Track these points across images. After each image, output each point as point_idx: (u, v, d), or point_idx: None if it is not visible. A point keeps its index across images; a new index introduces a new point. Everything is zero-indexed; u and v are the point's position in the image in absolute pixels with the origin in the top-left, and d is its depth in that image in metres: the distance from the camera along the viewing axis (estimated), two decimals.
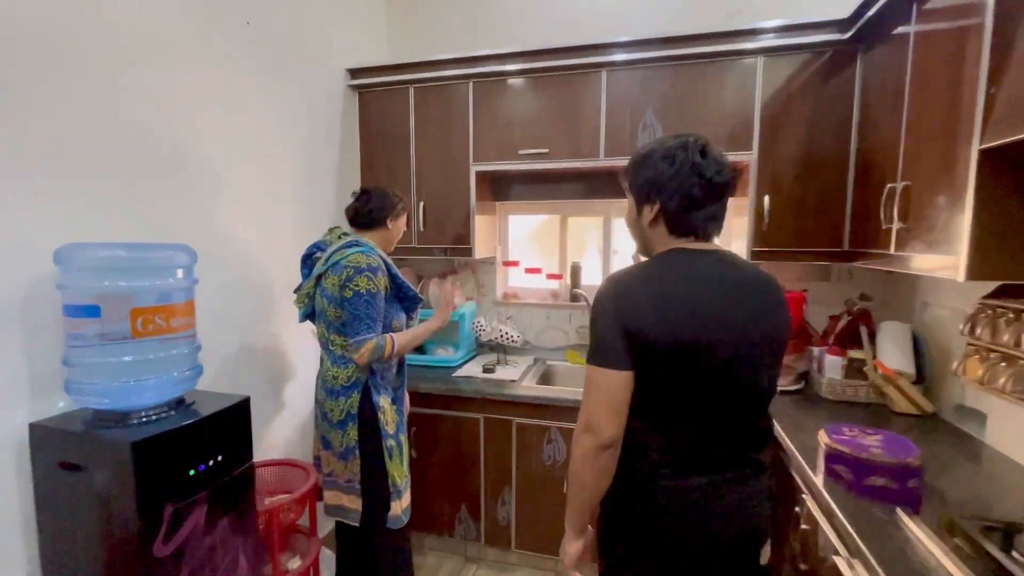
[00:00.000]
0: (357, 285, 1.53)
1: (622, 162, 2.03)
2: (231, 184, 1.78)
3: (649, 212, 1.03)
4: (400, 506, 1.67)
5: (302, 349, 2.13)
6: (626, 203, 1.13)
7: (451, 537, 2.25)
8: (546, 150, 2.19)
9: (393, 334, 1.61)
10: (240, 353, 1.82)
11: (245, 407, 1.33)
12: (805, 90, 1.89)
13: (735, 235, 2.24)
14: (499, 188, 2.60)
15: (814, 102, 1.89)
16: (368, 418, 1.61)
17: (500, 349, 2.46)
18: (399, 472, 1.66)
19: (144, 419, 1.18)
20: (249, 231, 1.87)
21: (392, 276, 1.65)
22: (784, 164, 1.94)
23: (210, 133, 1.68)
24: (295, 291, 1.73)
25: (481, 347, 2.67)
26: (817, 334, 2.19)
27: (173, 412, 1.24)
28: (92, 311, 1.08)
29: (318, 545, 1.77)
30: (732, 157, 1.84)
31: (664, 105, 2.04)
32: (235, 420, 1.30)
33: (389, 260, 1.68)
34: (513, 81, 2.20)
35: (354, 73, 2.37)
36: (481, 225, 2.41)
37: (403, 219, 1.80)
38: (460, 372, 2.32)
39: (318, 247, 1.72)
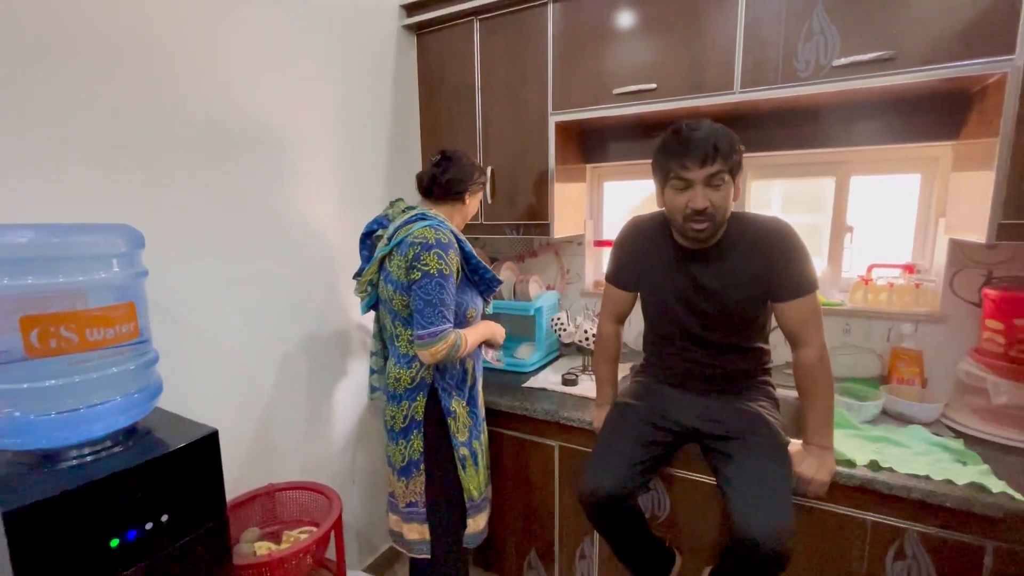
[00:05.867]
0: (426, 264, 1.25)
1: (769, 96, 1.51)
2: (265, 153, 1.48)
3: None
4: (478, 523, 1.45)
5: (351, 349, 1.82)
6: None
7: None
8: (653, 85, 1.56)
9: (464, 331, 1.33)
10: (268, 358, 1.53)
11: (211, 444, 0.99)
12: None
13: (959, 201, 1.43)
14: (591, 146, 2.02)
15: None
16: (436, 425, 1.37)
17: (586, 353, 1.94)
18: (475, 484, 1.42)
19: (75, 460, 0.89)
20: (290, 208, 1.57)
21: (466, 256, 1.36)
22: None
23: (236, 93, 1.39)
24: (354, 277, 1.45)
25: (566, 347, 2.16)
26: None
27: (119, 448, 0.93)
28: None
29: None
30: (969, 69, 1.18)
31: None
32: (192, 463, 0.96)
33: (463, 237, 1.36)
34: None
35: (410, 9, 1.93)
36: (564, 195, 1.87)
37: (480, 194, 1.50)
38: (533, 380, 1.85)
39: (379, 224, 1.44)
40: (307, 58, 1.59)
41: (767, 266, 1.21)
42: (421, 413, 1.35)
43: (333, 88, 1.69)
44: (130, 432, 0.97)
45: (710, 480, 1.37)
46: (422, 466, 1.37)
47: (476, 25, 1.84)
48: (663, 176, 1.19)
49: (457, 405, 1.37)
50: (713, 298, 1.25)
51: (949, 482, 1.13)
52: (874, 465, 1.21)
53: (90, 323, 0.84)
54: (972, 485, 1.12)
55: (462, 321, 1.36)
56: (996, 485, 1.10)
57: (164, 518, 0.90)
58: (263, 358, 1.53)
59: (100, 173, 1.13)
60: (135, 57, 1.17)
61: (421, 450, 1.36)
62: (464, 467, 1.38)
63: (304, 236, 1.63)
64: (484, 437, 1.53)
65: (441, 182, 1.40)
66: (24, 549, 0.74)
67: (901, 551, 1.18)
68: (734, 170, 1.15)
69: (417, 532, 1.41)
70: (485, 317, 1.52)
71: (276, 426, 1.57)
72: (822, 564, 1.26)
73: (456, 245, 1.32)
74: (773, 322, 1.30)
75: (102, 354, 0.87)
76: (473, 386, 1.44)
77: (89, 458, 0.90)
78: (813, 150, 1.67)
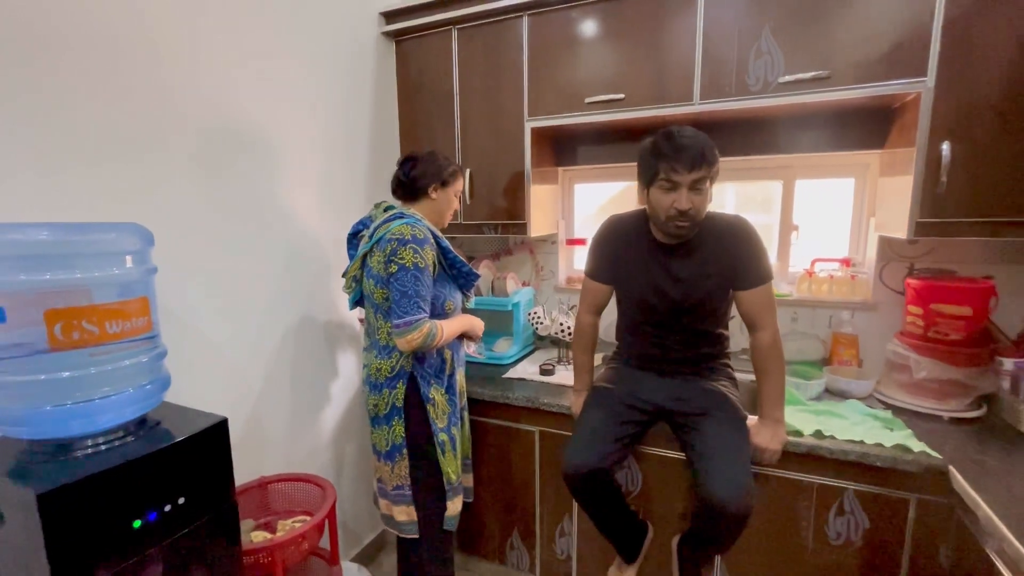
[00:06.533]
0: (402, 258, 1.32)
1: (724, 108, 1.54)
2: (252, 154, 1.51)
3: None
4: (456, 506, 1.51)
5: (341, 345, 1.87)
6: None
7: (502, 564, 1.92)
8: (621, 95, 1.70)
9: (441, 322, 1.38)
10: (256, 353, 1.57)
11: (221, 431, 1.04)
12: None
13: (886, 202, 1.63)
14: (562, 150, 2.15)
15: None
16: (416, 412, 1.44)
17: (562, 345, 2.06)
18: (452, 468, 1.49)
19: (91, 449, 0.92)
20: (276, 205, 1.61)
21: (443, 250, 1.44)
22: (983, 95, 1.31)
23: (224, 96, 1.42)
24: (343, 275, 1.52)
25: (540, 340, 2.28)
26: (1008, 340, 1.57)
27: (131, 438, 0.97)
28: None
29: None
30: (891, 88, 1.34)
31: (787, 20, 1.47)
32: (205, 449, 1.01)
33: (439, 233, 1.45)
34: (579, 10, 1.72)
35: (389, 17, 2.00)
36: (539, 196, 1.99)
37: (453, 188, 1.57)
38: (513, 372, 1.95)
39: (363, 224, 1.53)
40: (291, 63, 1.64)
41: (732, 258, 1.35)
42: (402, 400, 1.42)
43: (316, 92, 1.74)
44: (141, 423, 1.01)
45: (678, 456, 1.51)
46: (405, 450, 1.44)
47: (454, 34, 1.93)
48: (650, 176, 1.29)
49: (436, 392, 1.45)
50: (685, 288, 1.39)
51: (879, 445, 1.31)
52: (819, 434, 1.38)
53: (109, 316, 0.89)
54: (897, 447, 1.30)
55: (440, 313, 1.44)
56: (917, 446, 1.29)
57: (181, 501, 0.95)
58: (251, 353, 1.56)
59: (90, 173, 1.14)
60: (125, 60, 1.20)
61: (403, 435, 1.43)
62: (443, 452, 1.45)
63: (290, 233, 1.67)
64: (466, 426, 1.61)
65: (404, 181, 1.49)
66: (56, 529, 0.78)
67: (841, 508, 1.36)
68: (714, 177, 1.28)
69: (406, 513, 1.47)
70: (466, 311, 1.62)
71: (265, 419, 1.61)
72: (776, 523, 1.43)
73: (432, 240, 1.40)
74: (732, 311, 1.46)
75: (117, 347, 0.91)
76: (452, 374, 1.51)
77: (104, 447, 0.93)
78: (763, 156, 1.85)
